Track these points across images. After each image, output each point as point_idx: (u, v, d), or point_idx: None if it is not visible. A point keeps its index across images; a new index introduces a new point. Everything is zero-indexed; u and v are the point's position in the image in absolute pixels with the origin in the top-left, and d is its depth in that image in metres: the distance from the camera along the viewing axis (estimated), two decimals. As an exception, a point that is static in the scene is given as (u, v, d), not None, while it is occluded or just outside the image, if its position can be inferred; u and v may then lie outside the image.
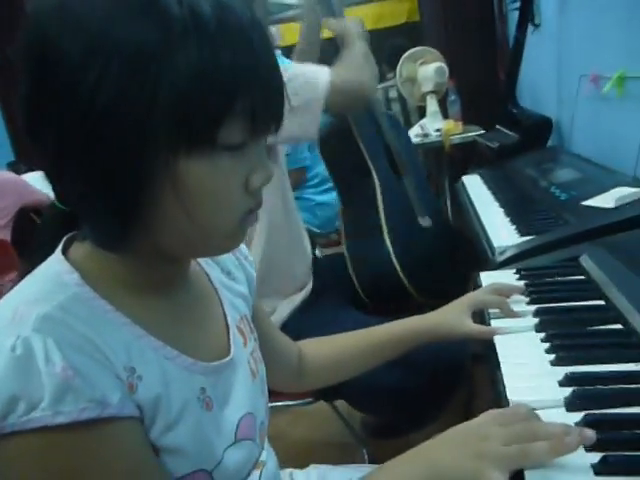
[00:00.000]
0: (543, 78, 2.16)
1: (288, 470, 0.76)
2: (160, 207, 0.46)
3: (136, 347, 0.49)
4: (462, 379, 1.18)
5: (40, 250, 0.55)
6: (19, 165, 3.10)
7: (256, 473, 0.61)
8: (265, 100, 0.47)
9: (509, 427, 0.49)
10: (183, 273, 0.58)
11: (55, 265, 0.50)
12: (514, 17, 2.33)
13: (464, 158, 2.49)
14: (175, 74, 0.42)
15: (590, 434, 0.47)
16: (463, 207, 1.75)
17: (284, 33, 3.36)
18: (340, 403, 1.87)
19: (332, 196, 2.29)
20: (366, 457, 1.60)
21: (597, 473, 0.46)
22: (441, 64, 2.56)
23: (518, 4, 2.00)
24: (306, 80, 1.09)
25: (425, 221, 1.60)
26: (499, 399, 0.63)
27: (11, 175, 2.42)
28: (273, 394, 0.77)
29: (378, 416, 1.44)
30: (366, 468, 0.80)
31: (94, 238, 0.51)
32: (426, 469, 0.50)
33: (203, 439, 0.52)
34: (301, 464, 0.83)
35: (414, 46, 2.78)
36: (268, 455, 0.65)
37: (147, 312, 0.52)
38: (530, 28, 2.11)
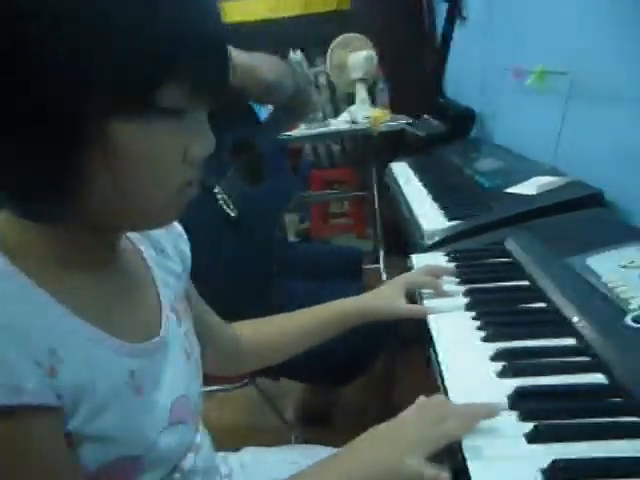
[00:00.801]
0: (468, 70, 2.23)
1: (221, 453, 0.75)
2: (92, 174, 0.43)
3: (59, 328, 0.45)
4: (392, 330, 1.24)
5: None
6: None
7: (191, 456, 0.59)
8: (207, 65, 0.44)
9: (421, 414, 0.53)
10: (114, 249, 0.55)
11: None
12: (442, 9, 2.39)
13: (391, 146, 2.53)
14: (113, 34, 0.39)
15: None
16: (391, 193, 1.78)
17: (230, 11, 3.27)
18: (266, 387, 1.88)
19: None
20: (293, 442, 1.61)
21: (530, 441, 0.48)
22: (371, 52, 2.57)
23: (446, -4, 2.05)
24: None
25: None
26: (434, 376, 0.65)
27: None
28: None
29: (317, 381, 1.45)
30: (299, 449, 0.80)
31: (13, 207, 0.47)
32: (355, 467, 0.53)
33: (133, 425, 0.49)
34: (232, 449, 0.81)
35: (340, 32, 2.78)
36: (203, 437, 0.63)
37: (73, 290, 0.48)
38: (457, 21, 2.17)
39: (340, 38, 2.71)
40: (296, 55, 2.84)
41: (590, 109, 1.20)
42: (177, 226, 0.69)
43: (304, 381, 1.57)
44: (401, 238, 2.91)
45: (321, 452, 0.77)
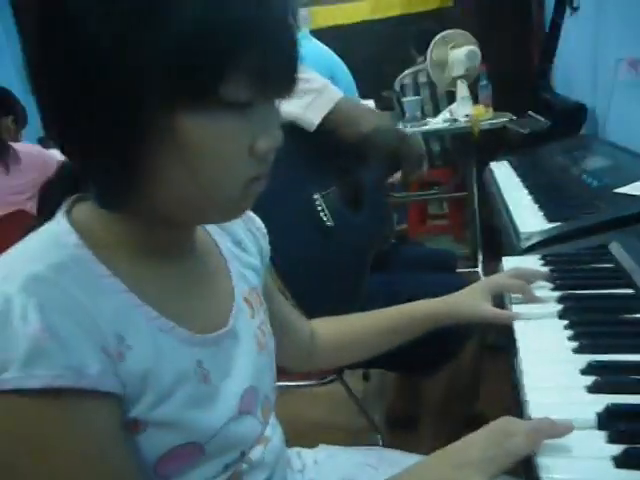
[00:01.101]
0: (578, 63, 2.08)
1: (296, 449, 0.75)
2: (160, 164, 0.44)
3: (129, 316, 0.47)
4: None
5: (47, 209, 0.54)
6: (48, 141, 3.14)
7: (259, 448, 0.59)
8: (274, 58, 0.44)
9: (487, 434, 0.50)
10: (188, 240, 0.57)
11: (55, 225, 0.49)
12: (552, 2, 2.26)
13: (492, 145, 2.42)
14: (177, 20, 0.40)
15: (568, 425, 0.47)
16: (490, 194, 1.70)
17: (315, 16, 3.32)
18: (355, 389, 1.87)
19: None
20: (380, 444, 1.59)
21: (618, 466, 0.43)
22: (473, 47, 2.48)
23: (556, -15, 1.92)
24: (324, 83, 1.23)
25: None
26: (516, 386, 0.61)
27: (38, 148, 2.44)
28: (288, 374, 0.75)
29: (395, 368, 1.46)
30: (375, 452, 0.78)
31: (96, 196, 0.50)
32: None
33: (197, 412, 0.50)
34: (313, 445, 0.81)
35: (442, 30, 2.71)
36: (273, 431, 0.63)
37: (146, 279, 0.50)
38: (568, 12, 2.03)
39: (441, 35, 2.64)
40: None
41: None
42: (257, 221, 0.70)
43: (391, 369, 1.55)
44: (500, 241, 2.79)
45: (398, 458, 0.76)
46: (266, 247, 0.69)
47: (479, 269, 2.63)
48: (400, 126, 2.62)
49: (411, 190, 3.25)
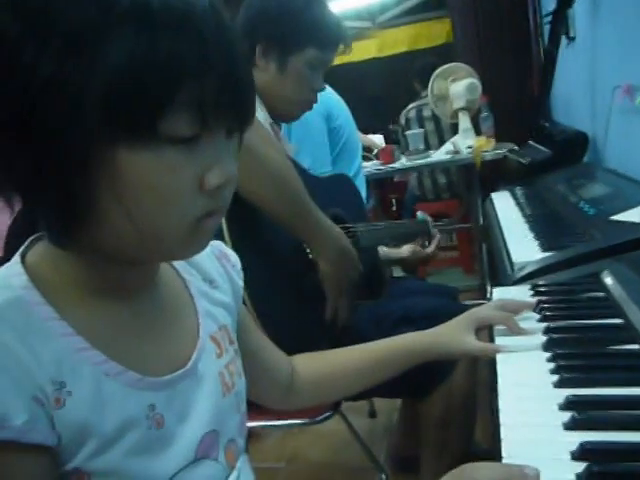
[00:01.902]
0: (576, 92, 2.08)
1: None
2: (100, 199, 0.43)
3: (71, 361, 0.45)
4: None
5: (12, 250, 0.54)
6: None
7: None
8: (215, 92, 0.43)
9: None
10: (147, 278, 0.55)
11: (9, 267, 0.48)
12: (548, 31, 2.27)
13: (495, 176, 2.41)
14: (111, 57, 0.39)
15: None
16: (490, 224, 1.69)
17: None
18: (360, 427, 1.82)
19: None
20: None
21: (588, 509, 0.40)
22: (473, 80, 2.50)
23: (551, 17, 1.94)
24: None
25: None
26: (494, 422, 0.58)
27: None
28: (287, 412, 0.71)
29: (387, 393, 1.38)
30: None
31: (46, 234, 0.49)
32: None
33: (147, 459, 0.48)
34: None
35: (445, 63, 2.74)
36: (242, 475, 0.61)
37: (97, 321, 0.49)
38: (565, 41, 2.04)
39: (441, 69, 2.67)
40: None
41: None
42: (232, 257, 0.68)
43: (382, 395, 1.51)
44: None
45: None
46: (240, 284, 0.68)
47: (490, 299, 2.58)
48: (402, 160, 2.64)
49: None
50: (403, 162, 2.57)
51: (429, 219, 1.65)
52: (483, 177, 2.48)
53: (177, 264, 0.61)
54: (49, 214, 0.46)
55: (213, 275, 0.65)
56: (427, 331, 0.78)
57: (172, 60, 0.40)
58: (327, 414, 1.32)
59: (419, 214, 1.73)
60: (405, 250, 1.65)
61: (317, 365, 0.77)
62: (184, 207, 0.45)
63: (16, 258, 0.49)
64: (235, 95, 0.45)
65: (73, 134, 0.41)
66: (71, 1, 0.40)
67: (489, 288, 2.64)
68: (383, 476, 1.55)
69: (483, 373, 1.32)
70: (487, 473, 0.44)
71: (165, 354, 0.54)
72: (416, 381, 1.15)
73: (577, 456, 0.46)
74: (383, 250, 1.64)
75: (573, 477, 0.44)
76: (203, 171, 0.45)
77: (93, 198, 0.43)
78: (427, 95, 3.04)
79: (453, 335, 0.75)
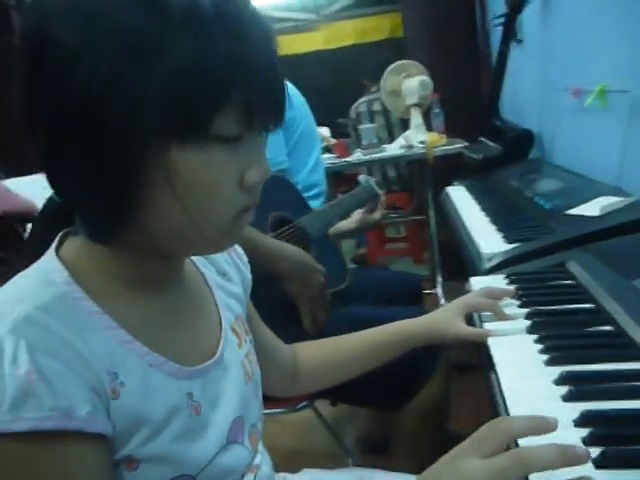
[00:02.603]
0: (525, 92, 2.21)
1: (282, 474, 0.76)
2: (152, 198, 0.46)
3: (119, 353, 0.48)
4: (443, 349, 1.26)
5: (34, 245, 0.55)
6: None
7: (250, 476, 0.60)
8: (262, 94, 0.46)
9: (487, 463, 0.44)
10: (177, 272, 0.58)
11: (45, 263, 0.50)
12: (496, 32, 2.39)
13: (447, 170, 2.52)
14: (170, 63, 0.42)
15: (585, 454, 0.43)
16: (448, 217, 1.77)
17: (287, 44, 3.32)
18: (327, 412, 1.88)
19: (316, 204, 2.30)
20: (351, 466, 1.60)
21: (598, 467, 0.46)
22: (425, 77, 2.59)
23: (502, 20, 2.04)
24: None
25: None
26: (494, 399, 0.64)
27: (-9, 181, 2.37)
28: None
29: (372, 403, 1.43)
30: (357, 473, 0.80)
31: (86, 231, 0.51)
32: None
33: (189, 445, 0.51)
34: (290, 471, 0.82)
35: (398, 60, 2.81)
36: (262, 459, 0.64)
37: (136, 313, 0.51)
38: (513, 44, 2.16)
39: (394, 65, 2.74)
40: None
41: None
42: (239, 250, 0.71)
43: (360, 404, 1.56)
44: (459, 262, 2.86)
45: (381, 477, 0.77)
46: (248, 276, 0.71)
47: (438, 290, 2.70)
48: (358, 153, 2.70)
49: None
50: (359, 156, 2.63)
51: (372, 180, 1.68)
52: (435, 171, 2.58)
53: (195, 258, 0.63)
54: (99, 214, 0.47)
55: (225, 268, 0.68)
56: (421, 317, 0.84)
57: (228, 63, 0.43)
58: (304, 403, 1.37)
59: (361, 177, 1.76)
60: (354, 220, 1.66)
61: (318, 352, 0.81)
62: (227, 202, 0.49)
63: (51, 254, 0.50)
64: (276, 97, 0.49)
65: (132, 135, 0.43)
66: (129, 11, 0.42)
67: (439, 278, 2.76)
68: (350, 460, 1.61)
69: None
70: (518, 421, 0.47)
71: (196, 344, 0.57)
72: (391, 393, 1.21)
73: (579, 423, 0.52)
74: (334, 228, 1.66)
75: (579, 440, 0.50)
76: (244, 169, 0.49)
77: (146, 197, 0.46)
78: (377, 90, 3.12)
79: (446, 321, 0.81)
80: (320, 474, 0.80)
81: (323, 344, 0.83)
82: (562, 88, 1.70)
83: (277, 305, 0.71)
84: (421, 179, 2.76)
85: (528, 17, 2.03)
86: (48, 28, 0.43)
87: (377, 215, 1.68)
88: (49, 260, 0.50)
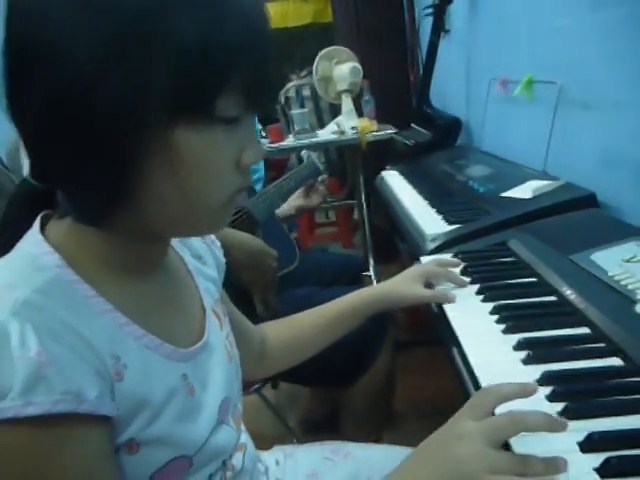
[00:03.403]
0: (452, 81, 2.31)
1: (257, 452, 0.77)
2: (149, 180, 0.46)
3: (118, 336, 0.48)
4: (390, 324, 1.32)
5: (8, 230, 0.53)
6: None
7: (239, 455, 0.62)
8: (260, 76, 0.47)
9: (483, 422, 0.48)
10: (164, 255, 0.58)
11: (32, 246, 0.48)
12: (425, 22, 2.47)
13: (378, 155, 2.59)
14: (178, 41, 0.42)
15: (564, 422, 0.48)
16: (385, 201, 1.83)
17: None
18: (269, 395, 1.90)
19: (256, 189, 2.30)
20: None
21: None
22: (355, 64, 2.63)
23: (430, 10, 2.12)
24: None
25: None
26: (456, 365, 0.69)
27: None
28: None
29: (322, 382, 1.45)
30: (330, 446, 0.83)
31: (77, 214, 0.50)
32: None
33: (186, 426, 0.52)
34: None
35: (325, 47, 2.84)
36: (247, 438, 0.66)
37: (129, 297, 0.51)
38: (441, 33, 2.24)
39: (325, 50, 2.76)
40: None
41: (579, 115, 1.27)
42: (212, 235, 0.72)
43: (307, 384, 1.60)
44: (389, 246, 2.95)
45: (350, 448, 0.81)
46: (222, 260, 0.72)
47: (371, 272, 2.78)
48: (290, 139, 2.71)
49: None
50: (292, 141, 2.64)
51: (314, 155, 1.70)
52: (366, 157, 2.64)
53: (173, 242, 0.63)
54: (95, 196, 0.46)
55: (200, 251, 0.68)
56: (382, 283, 0.88)
57: (232, 43, 0.44)
58: (257, 386, 1.39)
59: (304, 153, 1.77)
60: (292, 207, 1.68)
61: (285, 330, 0.84)
62: (224, 182, 0.49)
63: (36, 237, 0.49)
64: (271, 82, 0.50)
65: (135, 116, 0.43)
66: None
67: (371, 260, 2.83)
68: (295, 440, 1.65)
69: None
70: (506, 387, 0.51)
71: (185, 327, 0.57)
72: (341, 371, 1.25)
73: (541, 382, 0.58)
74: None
75: (543, 398, 0.56)
76: (241, 150, 0.50)
77: (145, 178, 0.46)
78: (305, 75, 3.14)
79: (406, 285, 0.85)
80: (292, 449, 0.82)
81: (287, 322, 0.85)
82: (489, 78, 1.80)
83: (229, 293, 0.72)
84: (353, 164, 2.81)
85: (456, 8, 2.12)
86: (45, 9, 0.42)
87: (315, 200, 1.71)
88: (35, 243, 0.48)
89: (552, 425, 0.48)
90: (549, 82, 1.36)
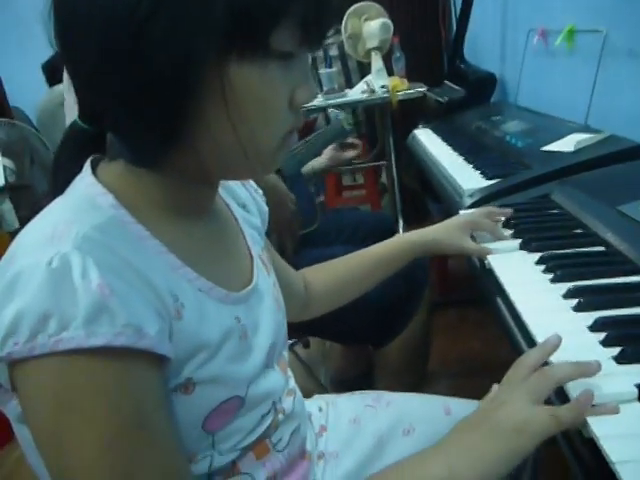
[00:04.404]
0: (487, 35, 2.23)
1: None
2: (204, 117, 0.45)
3: (173, 277, 0.48)
4: (426, 285, 1.31)
5: (59, 172, 0.53)
6: None
7: (289, 399, 0.63)
8: (316, 10, 0.46)
9: (521, 385, 0.50)
10: (213, 199, 0.58)
11: (87, 187, 0.48)
12: (457, -26, 2.38)
13: (408, 116, 2.54)
14: None
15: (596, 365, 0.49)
16: (417, 159, 1.80)
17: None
18: (302, 352, 1.92)
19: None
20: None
21: (619, 363, 0.51)
22: (386, 20, 2.56)
23: (465, -40, 2.04)
24: None
25: None
26: (501, 316, 0.69)
27: None
28: None
29: (359, 340, 1.47)
30: (368, 394, 0.84)
31: (132, 154, 0.49)
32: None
33: (237, 366, 0.52)
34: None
35: (352, 3, 2.76)
36: (295, 385, 0.67)
37: (182, 239, 0.51)
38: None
39: (354, 7, 2.69)
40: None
41: (624, 64, 1.22)
42: (253, 183, 0.72)
43: (343, 342, 1.61)
44: (420, 206, 2.91)
45: (391, 397, 0.82)
46: (265, 208, 0.72)
47: (400, 234, 2.76)
48: (320, 98, 2.67)
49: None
50: (321, 100, 2.60)
51: (341, 114, 1.69)
52: (396, 116, 2.60)
53: (219, 190, 0.63)
54: (150, 135, 0.46)
55: (244, 200, 0.68)
56: (428, 228, 0.87)
57: None
58: (290, 342, 1.41)
59: (331, 112, 1.76)
60: (325, 158, 1.69)
61: (329, 273, 0.84)
62: (279, 121, 0.49)
63: (90, 179, 0.49)
64: (327, 17, 0.48)
65: (191, 50, 0.42)
66: None
67: (401, 222, 2.82)
68: (328, 396, 1.68)
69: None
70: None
71: (235, 271, 0.58)
72: (378, 330, 1.26)
73: (594, 329, 0.57)
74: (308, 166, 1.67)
75: (597, 343, 0.55)
76: (294, 88, 0.49)
77: (200, 116, 0.45)
78: (333, 34, 3.06)
79: (451, 234, 0.84)
80: (333, 398, 0.83)
81: (330, 265, 0.85)
82: (527, 29, 1.74)
83: None
84: (382, 125, 2.77)
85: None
86: None
87: (351, 153, 1.70)
88: (89, 184, 0.49)
89: (583, 371, 0.49)
90: (593, 31, 1.30)
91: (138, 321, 0.41)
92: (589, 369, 0.49)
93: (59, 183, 0.52)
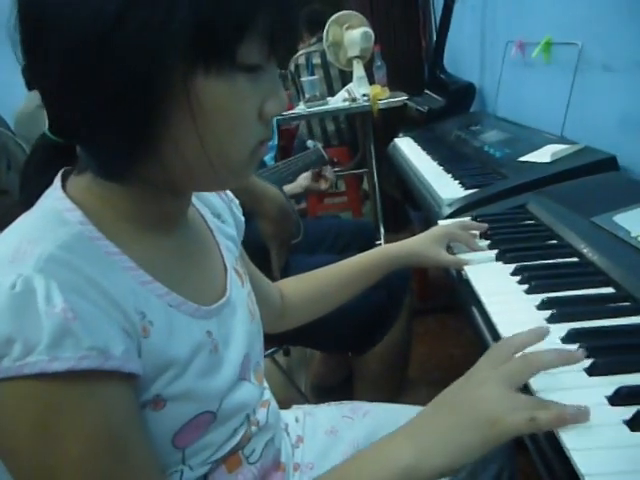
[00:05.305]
0: (466, 46, 2.26)
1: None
2: (171, 130, 0.45)
3: (142, 293, 0.47)
4: (407, 293, 1.33)
5: (28, 186, 0.52)
6: None
7: (263, 411, 0.63)
8: (283, 23, 0.46)
9: (500, 367, 0.49)
10: (184, 211, 0.57)
11: (55, 202, 0.48)
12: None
13: (389, 123, 2.56)
14: None
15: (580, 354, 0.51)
16: (398, 168, 1.81)
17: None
18: (283, 360, 1.91)
19: (267, 157, 2.29)
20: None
21: (590, 374, 0.52)
22: (367, 29, 2.59)
23: (445, -28, 2.06)
24: None
25: None
26: (476, 325, 0.69)
27: None
28: None
29: (339, 348, 1.45)
30: (348, 405, 0.84)
31: (99, 168, 0.49)
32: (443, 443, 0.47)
33: (210, 381, 0.52)
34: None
35: (333, 11, 2.78)
36: (270, 395, 0.67)
37: (151, 254, 0.50)
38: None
39: (336, 16, 2.71)
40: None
41: (599, 77, 1.24)
42: (229, 193, 0.71)
43: (323, 349, 1.61)
44: (400, 215, 2.93)
45: (368, 407, 0.82)
46: (241, 218, 0.71)
47: (381, 241, 2.77)
48: (301, 106, 2.68)
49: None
50: (303, 109, 2.61)
51: (319, 145, 1.76)
52: (377, 124, 2.61)
53: (194, 200, 0.63)
54: (116, 148, 0.45)
55: (219, 210, 0.68)
56: (406, 240, 0.87)
57: None
58: (270, 351, 1.40)
59: (310, 143, 1.82)
60: (300, 185, 1.71)
61: (306, 284, 0.84)
62: (247, 134, 0.48)
63: (58, 193, 0.48)
64: (294, 29, 0.48)
65: (157, 63, 0.41)
66: None
67: (382, 229, 2.83)
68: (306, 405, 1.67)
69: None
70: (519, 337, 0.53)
71: (207, 284, 0.57)
72: (358, 337, 1.26)
73: (567, 341, 0.58)
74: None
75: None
76: (263, 100, 0.48)
77: (167, 129, 0.45)
78: (315, 42, 3.08)
79: (428, 246, 0.85)
80: (311, 409, 0.83)
81: (308, 277, 0.85)
82: (506, 41, 1.76)
83: (251, 246, 0.72)
84: (363, 132, 2.78)
85: (471, -30, 2.06)
86: None
87: (322, 185, 1.73)
88: (57, 199, 0.48)
89: (567, 359, 0.50)
90: (569, 43, 1.32)
91: (103, 343, 0.41)
92: (572, 358, 0.50)
93: (27, 195, 0.51)
